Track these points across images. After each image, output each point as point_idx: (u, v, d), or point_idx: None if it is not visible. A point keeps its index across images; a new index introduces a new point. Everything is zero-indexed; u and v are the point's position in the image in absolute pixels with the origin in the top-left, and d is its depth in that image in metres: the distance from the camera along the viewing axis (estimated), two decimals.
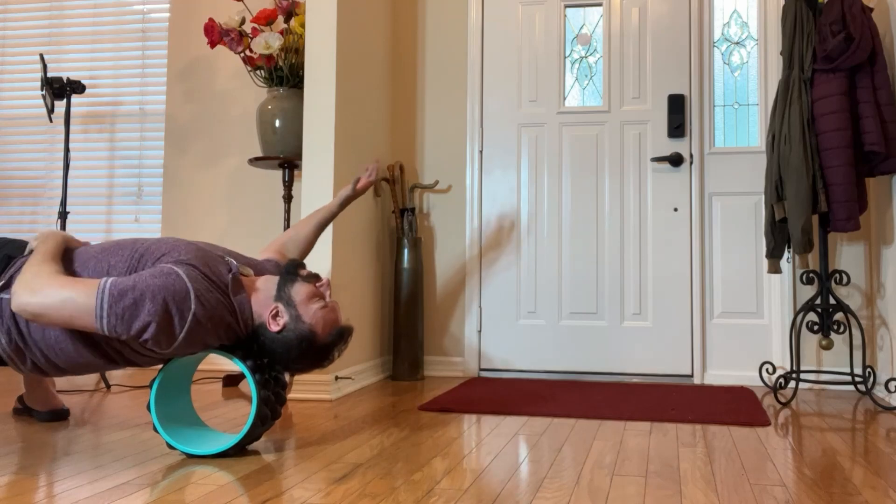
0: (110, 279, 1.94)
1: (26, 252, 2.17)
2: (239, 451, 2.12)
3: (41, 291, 1.92)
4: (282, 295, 2.10)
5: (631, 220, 3.82)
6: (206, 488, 1.79)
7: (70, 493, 1.74)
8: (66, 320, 1.93)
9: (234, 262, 2.18)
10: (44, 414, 2.60)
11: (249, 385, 2.08)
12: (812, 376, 3.60)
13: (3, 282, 2.09)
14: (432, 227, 3.99)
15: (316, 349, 2.10)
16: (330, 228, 3.18)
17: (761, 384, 3.62)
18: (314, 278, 2.16)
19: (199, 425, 2.26)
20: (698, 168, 3.75)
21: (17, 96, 4.53)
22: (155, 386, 2.12)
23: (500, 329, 3.89)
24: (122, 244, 2.14)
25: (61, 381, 3.53)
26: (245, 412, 2.78)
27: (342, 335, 2.13)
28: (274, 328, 2.08)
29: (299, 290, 2.11)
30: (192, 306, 1.95)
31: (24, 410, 2.69)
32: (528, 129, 3.94)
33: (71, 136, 4.42)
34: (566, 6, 3.96)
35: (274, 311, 2.09)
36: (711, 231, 3.75)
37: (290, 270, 2.16)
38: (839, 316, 3.46)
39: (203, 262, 2.06)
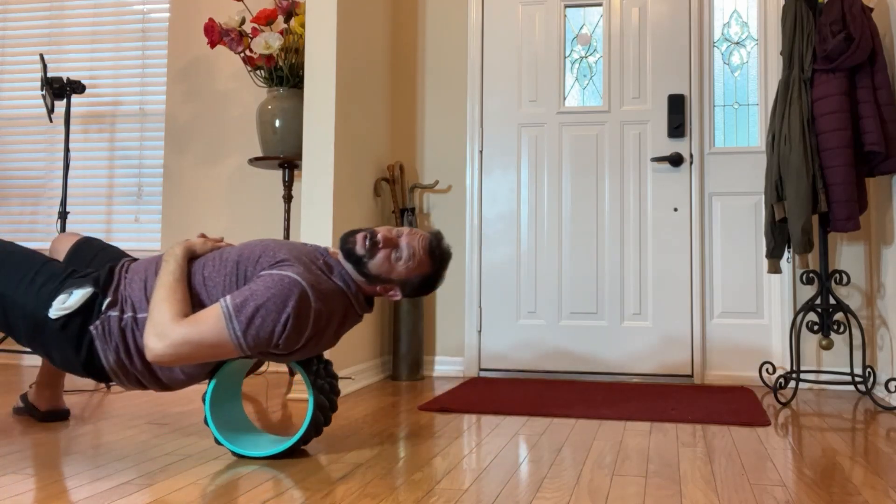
0: (229, 302, 1.94)
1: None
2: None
3: (170, 342, 1.92)
4: (371, 279, 2.12)
5: (631, 220, 3.82)
6: (207, 488, 1.79)
7: (70, 493, 1.74)
8: (208, 358, 1.97)
9: (321, 245, 2.21)
10: (44, 413, 2.60)
11: (307, 391, 2.11)
12: (812, 376, 3.60)
13: (109, 298, 2.07)
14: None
15: (435, 277, 2.19)
16: (330, 229, 3.18)
17: (761, 384, 3.62)
18: (374, 241, 2.10)
19: (248, 428, 2.24)
20: (698, 168, 3.75)
21: (17, 96, 4.53)
22: (211, 385, 2.11)
23: (500, 329, 3.89)
24: (208, 257, 2.12)
25: None
26: (251, 412, 2.78)
27: (440, 248, 2.17)
28: (397, 298, 2.17)
29: (378, 266, 2.10)
30: (313, 303, 1.98)
31: (24, 409, 2.69)
32: (528, 129, 3.94)
33: (71, 136, 4.42)
34: (566, 6, 3.96)
35: (384, 290, 2.15)
36: (711, 231, 3.75)
37: (350, 255, 2.11)
38: (839, 316, 3.46)
39: (298, 255, 2.08)
